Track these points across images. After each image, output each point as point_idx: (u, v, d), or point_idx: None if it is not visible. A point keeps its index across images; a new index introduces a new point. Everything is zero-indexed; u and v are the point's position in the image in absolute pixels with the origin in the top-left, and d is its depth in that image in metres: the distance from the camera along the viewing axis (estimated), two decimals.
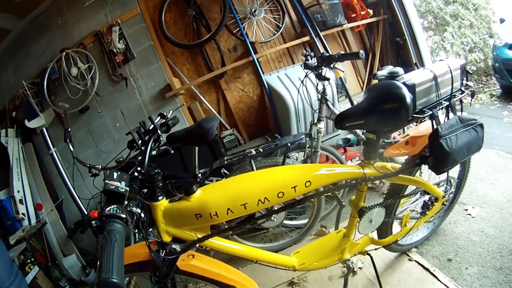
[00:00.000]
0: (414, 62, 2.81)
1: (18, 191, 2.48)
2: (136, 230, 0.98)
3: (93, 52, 2.75)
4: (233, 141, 2.61)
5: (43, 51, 2.81)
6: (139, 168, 1.05)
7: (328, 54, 1.89)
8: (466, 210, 1.90)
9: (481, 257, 1.56)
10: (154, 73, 2.72)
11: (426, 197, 1.52)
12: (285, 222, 2.09)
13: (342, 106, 2.60)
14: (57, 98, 2.78)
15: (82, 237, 2.75)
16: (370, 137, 1.22)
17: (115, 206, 1.22)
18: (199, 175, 1.91)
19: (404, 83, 1.15)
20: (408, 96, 1.07)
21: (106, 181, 1.77)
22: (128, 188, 1.74)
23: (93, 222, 1.29)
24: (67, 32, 2.80)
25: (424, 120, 1.30)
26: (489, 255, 1.55)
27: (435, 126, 1.19)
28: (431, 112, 1.23)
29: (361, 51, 1.71)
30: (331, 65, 1.89)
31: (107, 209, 1.14)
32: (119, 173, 1.83)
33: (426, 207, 1.49)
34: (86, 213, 2.67)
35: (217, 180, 2.05)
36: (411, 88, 1.17)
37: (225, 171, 2.13)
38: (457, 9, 3.50)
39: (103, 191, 1.78)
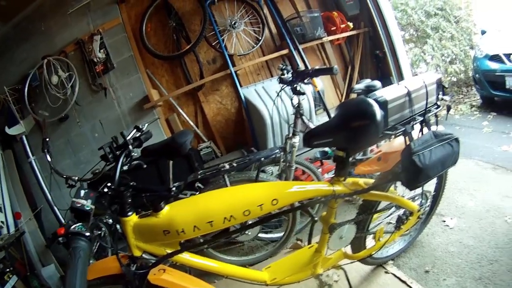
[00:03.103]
0: (391, 76, 2.83)
1: None
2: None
3: (74, 60, 2.73)
4: (210, 154, 2.60)
5: (26, 57, 2.77)
6: (109, 184, 1.05)
7: (302, 69, 1.90)
8: (444, 221, 1.91)
9: (459, 268, 1.56)
10: (133, 84, 2.71)
11: (401, 211, 1.52)
12: (260, 235, 2.10)
13: (320, 119, 2.62)
14: (38, 106, 2.75)
15: (61, 247, 2.72)
16: (339, 154, 1.21)
17: (80, 224, 1.25)
18: (174, 188, 1.91)
19: (376, 100, 1.14)
20: (379, 114, 1.06)
21: (73, 199, 1.78)
22: (93, 207, 1.74)
23: (60, 238, 1.32)
24: (49, 39, 2.78)
25: (398, 136, 1.29)
26: (468, 266, 1.56)
27: (408, 142, 1.19)
28: (403, 128, 1.23)
29: (335, 67, 1.72)
30: (305, 80, 1.90)
31: (73, 227, 1.18)
32: (86, 191, 1.83)
33: (400, 221, 1.50)
34: (63, 223, 2.65)
35: (191, 194, 2.05)
36: (383, 104, 1.17)
37: (200, 185, 2.12)
38: (438, 22, 3.55)
39: (69, 209, 1.78)
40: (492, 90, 3.48)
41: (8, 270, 2.12)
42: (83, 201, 1.72)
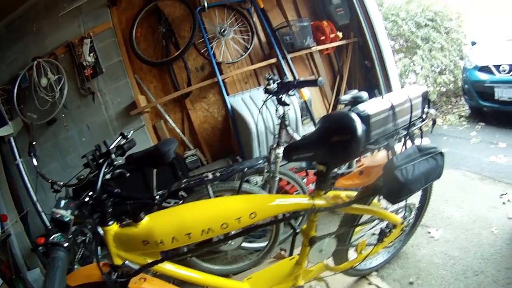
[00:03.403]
0: (376, 90, 2.85)
1: None
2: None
3: (64, 63, 2.71)
4: (195, 162, 2.60)
5: (16, 57, 2.75)
6: (91, 193, 1.07)
7: (287, 80, 1.91)
8: (429, 232, 1.92)
9: (444, 279, 1.57)
10: (121, 89, 2.69)
11: (384, 224, 1.51)
12: (244, 245, 2.10)
13: (306, 128, 2.63)
14: (26, 108, 2.72)
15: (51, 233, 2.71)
16: (320, 168, 1.21)
17: (60, 234, 1.28)
18: (157, 197, 1.92)
19: (358, 114, 1.14)
20: (360, 129, 1.06)
21: (53, 209, 1.78)
22: (72, 217, 1.74)
23: (39, 248, 1.34)
24: (41, 40, 2.75)
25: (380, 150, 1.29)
26: (453, 277, 1.57)
27: (390, 156, 1.19)
28: (386, 143, 1.23)
29: (320, 79, 1.73)
30: (290, 92, 1.91)
31: (52, 237, 1.21)
32: (66, 201, 1.83)
33: (383, 234, 1.49)
34: (48, 227, 2.64)
35: (175, 202, 2.04)
36: (366, 119, 1.16)
37: (183, 193, 2.13)
38: (428, 33, 3.58)
39: (50, 219, 1.78)
40: (481, 100, 3.53)
41: None
42: (63, 212, 1.72)
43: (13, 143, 2.67)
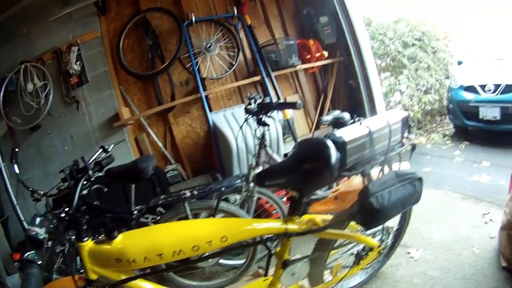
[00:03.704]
0: (360, 111, 2.87)
1: None
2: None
3: (50, 69, 2.70)
4: (176, 176, 2.61)
5: (5, 59, 2.72)
6: (67, 209, 1.09)
7: (267, 102, 1.93)
8: (409, 253, 1.91)
9: None
10: (105, 100, 2.69)
11: (360, 247, 1.50)
12: (222, 261, 2.11)
13: (288, 147, 2.66)
14: (11, 112, 2.71)
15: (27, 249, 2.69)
16: (293, 194, 1.20)
17: (34, 252, 1.31)
18: (135, 212, 1.94)
19: (334, 141, 1.14)
20: (334, 157, 1.06)
21: (28, 226, 1.78)
22: (46, 236, 1.74)
23: (15, 263, 1.36)
24: (30, 44, 2.74)
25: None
26: None
27: (366, 183, 1.19)
28: (362, 169, 1.23)
29: (299, 102, 1.75)
30: (268, 114, 1.93)
31: (26, 254, 1.25)
32: (41, 218, 1.83)
33: (359, 257, 1.49)
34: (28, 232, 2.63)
35: (153, 218, 2.05)
36: (342, 145, 1.16)
37: (161, 209, 2.14)
38: (415, 52, 3.63)
39: (25, 236, 1.78)
40: (466, 120, 3.60)
41: None
42: (37, 229, 1.73)
43: None
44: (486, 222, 2.08)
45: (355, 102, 3.08)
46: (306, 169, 1.09)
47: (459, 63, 4.15)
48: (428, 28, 3.89)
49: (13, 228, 2.67)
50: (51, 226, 1.83)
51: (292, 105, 1.94)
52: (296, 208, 1.21)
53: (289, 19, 3.15)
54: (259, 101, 1.96)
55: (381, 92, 3.04)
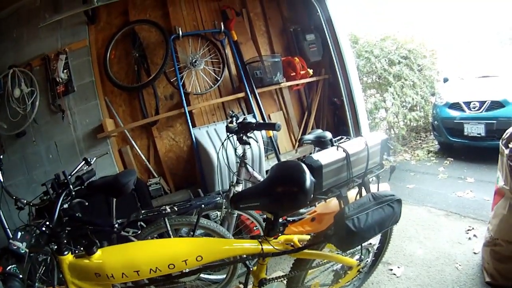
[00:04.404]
0: (338, 138, 2.90)
1: None
2: None
3: (38, 76, 2.71)
4: (159, 190, 2.62)
5: None
6: (47, 222, 1.12)
7: (247, 122, 1.96)
8: (391, 270, 1.94)
9: None
10: (90, 110, 2.70)
11: (338, 266, 1.52)
12: (203, 276, 2.13)
13: (270, 163, 2.69)
14: None
15: (8, 262, 2.70)
16: (268, 216, 1.23)
17: (15, 266, 1.35)
18: (116, 225, 1.96)
19: (310, 165, 1.16)
20: (308, 181, 1.08)
21: (10, 240, 1.80)
22: (27, 250, 1.77)
23: None
24: (19, 48, 2.74)
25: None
26: None
27: (342, 206, 1.22)
28: (338, 192, 1.25)
29: (278, 123, 1.78)
30: (248, 134, 1.96)
31: (8, 268, 1.28)
32: (22, 233, 1.84)
33: (338, 275, 1.51)
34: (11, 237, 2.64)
35: (133, 232, 2.07)
36: (318, 169, 1.18)
37: (142, 223, 2.17)
38: (401, 70, 3.68)
39: (7, 249, 1.80)
40: (450, 136, 3.66)
41: None
42: (19, 244, 1.75)
43: None
44: (469, 238, 2.12)
45: (339, 120, 3.13)
46: (280, 193, 1.11)
47: (445, 80, 4.22)
48: (414, 46, 3.96)
49: None
50: (32, 240, 1.87)
51: (271, 126, 1.97)
52: (272, 229, 1.24)
53: (276, 35, 3.19)
54: (240, 120, 1.99)
55: (365, 110, 3.09)
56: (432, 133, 4.11)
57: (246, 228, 2.37)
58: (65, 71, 2.72)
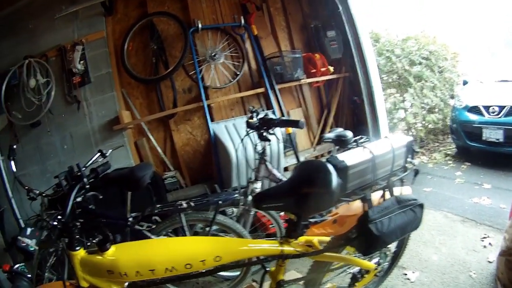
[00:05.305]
0: (359, 138, 2.83)
1: None
2: None
3: (54, 67, 2.68)
4: (174, 183, 2.58)
5: (8, 52, 2.70)
6: (59, 216, 1.06)
7: (269, 118, 1.91)
8: (406, 274, 1.90)
9: None
10: (107, 102, 2.67)
11: (356, 269, 1.48)
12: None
13: (289, 161, 2.64)
14: (12, 106, 2.69)
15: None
16: (290, 217, 1.18)
17: (23, 264, 1.29)
18: (130, 219, 1.92)
19: (335, 165, 1.12)
20: (334, 182, 1.04)
21: (19, 237, 1.74)
22: (37, 248, 1.72)
23: (5, 274, 1.34)
24: (34, 39, 2.72)
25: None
26: None
27: (366, 209, 1.17)
28: (363, 195, 1.21)
29: (302, 121, 1.73)
30: (270, 130, 1.90)
31: (16, 266, 1.23)
32: (32, 229, 1.80)
33: (355, 279, 1.47)
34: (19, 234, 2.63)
35: (148, 226, 2.03)
36: (343, 170, 1.13)
37: (157, 218, 2.12)
38: (421, 71, 3.60)
39: (16, 248, 1.75)
40: (468, 140, 3.57)
41: None
42: (28, 241, 1.69)
43: None
44: (484, 246, 2.07)
45: (358, 119, 3.06)
46: (305, 194, 1.07)
47: (464, 83, 4.12)
48: (436, 48, 3.87)
49: (8, 222, 2.66)
50: (42, 236, 1.81)
51: (295, 124, 1.92)
52: (293, 230, 1.20)
53: (296, 31, 3.13)
54: (261, 115, 1.94)
55: (385, 110, 3.01)
56: (450, 136, 4.02)
57: (262, 226, 2.33)
58: (82, 62, 2.70)
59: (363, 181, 1.22)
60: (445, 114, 3.93)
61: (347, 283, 1.49)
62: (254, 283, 2.08)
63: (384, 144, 1.29)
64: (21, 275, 1.18)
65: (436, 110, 3.85)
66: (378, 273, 1.55)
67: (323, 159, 1.64)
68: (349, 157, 1.18)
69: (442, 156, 3.83)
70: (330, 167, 1.08)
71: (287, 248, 1.19)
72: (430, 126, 3.92)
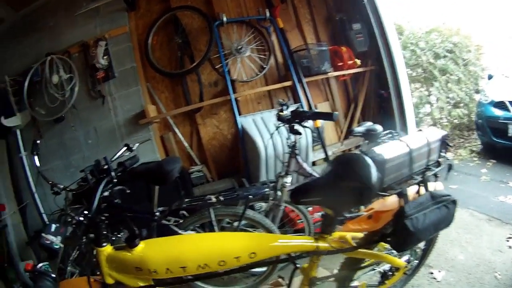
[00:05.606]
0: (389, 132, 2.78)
1: None
2: None
3: (77, 63, 2.70)
4: (201, 178, 2.56)
5: (30, 50, 2.74)
6: (86, 211, 1.05)
7: (301, 110, 1.87)
8: (432, 273, 1.87)
9: None
10: (131, 96, 2.68)
11: (386, 267, 1.45)
12: None
13: (316, 155, 2.60)
14: (35, 102, 2.72)
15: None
16: (327, 212, 1.16)
17: (47, 263, 1.23)
18: (157, 213, 1.89)
19: (373, 158, 1.07)
20: (375, 176, 1.00)
21: (43, 234, 1.68)
22: (62, 245, 1.65)
23: (27, 273, 1.29)
24: (56, 36, 2.74)
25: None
26: None
27: (402, 204, 1.13)
28: (400, 190, 1.16)
29: (336, 113, 1.69)
30: (302, 123, 1.86)
31: (39, 265, 1.17)
32: (57, 225, 1.72)
33: (385, 277, 1.44)
34: (46, 222, 2.64)
35: (175, 221, 2.00)
36: (381, 164, 1.09)
37: (184, 212, 2.08)
38: (446, 64, 3.51)
39: (39, 246, 1.69)
40: (494, 137, 3.45)
41: None
42: (52, 238, 1.61)
43: (19, 136, 2.70)
44: (510, 247, 2.02)
45: (385, 113, 2.99)
46: (344, 189, 1.04)
47: (490, 77, 4.00)
48: (459, 39, 3.77)
49: (30, 217, 2.68)
50: (67, 233, 1.73)
51: (328, 116, 1.88)
52: (329, 226, 1.17)
53: (321, 24, 3.08)
54: (292, 108, 1.90)
55: (412, 104, 2.94)
56: (475, 132, 3.92)
57: (290, 221, 2.28)
58: (105, 57, 2.70)
59: (399, 176, 1.18)
60: (470, 109, 3.83)
61: (374, 281, 1.47)
62: (280, 279, 2.05)
63: (419, 138, 1.25)
64: (44, 275, 1.15)
65: (461, 104, 3.75)
66: (407, 271, 1.52)
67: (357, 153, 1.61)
68: (386, 151, 1.14)
69: (468, 152, 3.74)
70: (370, 160, 1.04)
71: (322, 244, 1.15)
72: (455, 121, 3.83)
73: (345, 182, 1.04)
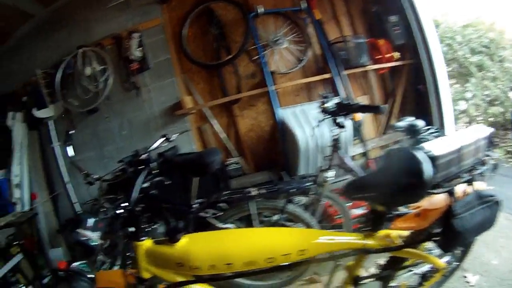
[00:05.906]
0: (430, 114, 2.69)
1: (17, 176, 2.52)
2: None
3: (110, 55, 2.71)
4: (238, 170, 2.55)
5: (62, 43, 2.77)
6: (125, 204, 1.01)
7: (346, 103, 1.82)
8: (466, 277, 1.82)
9: None
10: (166, 87, 2.68)
11: (426, 268, 1.40)
12: None
13: (355, 150, 2.54)
14: (68, 94, 2.76)
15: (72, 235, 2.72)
16: (379, 209, 1.11)
17: (84, 262, 1.18)
18: (195, 205, 1.86)
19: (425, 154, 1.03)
20: (430, 172, 0.96)
21: (78, 230, 1.62)
22: (100, 242, 1.59)
23: (60, 273, 1.23)
24: (87, 29, 2.77)
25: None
26: None
27: (451, 203, 1.10)
28: (449, 188, 1.12)
29: (383, 106, 1.65)
30: (347, 116, 1.81)
31: (75, 265, 1.12)
32: (95, 220, 1.67)
33: (425, 278, 1.40)
34: (78, 212, 2.65)
35: (213, 214, 1.96)
36: (432, 161, 1.03)
37: (223, 205, 2.05)
38: (482, 60, 3.41)
39: (74, 242, 1.63)
40: None
41: (15, 243, 2.10)
42: (89, 234, 1.56)
43: (52, 127, 2.73)
44: None
45: (422, 108, 2.90)
46: (399, 185, 0.99)
47: None
48: (495, 35, 3.65)
49: (62, 206, 2.73)
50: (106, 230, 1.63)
51: (376, 109, 1.83)
52: (379, 223, 1.14)
53: (357, 16, 3.01)
54: (335, 101, 1.85)
55: (450, 99, 2.84)
56: (510, 132, 3.80)
57: (328, 217, 2.23)
58: (140, 49, 2.70)
59: (448, 173, 1.13)
60: (505, 107, 3.71)
61: (412, 283, 1.41)
62: (315, 276, 2.01)
63: (468, 135, 1.21)
64: (80, 275, 1.08)
65: (497, 102, 3.63)
66: (447, 273, 1.46)
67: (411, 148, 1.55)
68: (437, 147, 1.10)
69: (503, 152, 3.62)
70: (424, 156, 1.00)
71: (370, 242, 1.12)
72: (490, 119, 3.71)
73: (400, 178, 1.00)
